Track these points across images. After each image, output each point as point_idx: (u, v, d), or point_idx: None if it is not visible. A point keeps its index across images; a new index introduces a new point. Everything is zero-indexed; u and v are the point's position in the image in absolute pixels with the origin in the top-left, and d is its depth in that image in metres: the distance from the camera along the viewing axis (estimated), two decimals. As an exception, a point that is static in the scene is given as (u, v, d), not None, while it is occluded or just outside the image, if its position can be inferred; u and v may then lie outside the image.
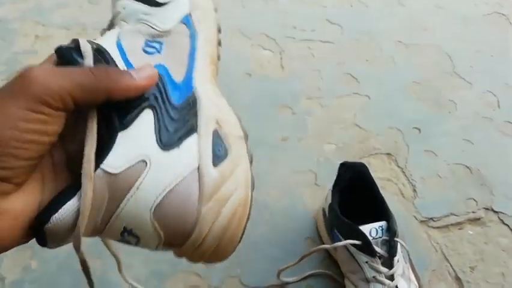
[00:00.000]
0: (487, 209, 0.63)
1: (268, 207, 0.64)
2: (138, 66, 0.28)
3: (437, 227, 0.62)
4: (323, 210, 0.57)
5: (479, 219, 0.62)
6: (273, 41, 0.92)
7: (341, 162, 0.69)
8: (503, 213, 0.62)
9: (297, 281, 0.56)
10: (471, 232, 0.61)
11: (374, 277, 0.48)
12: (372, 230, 0.49)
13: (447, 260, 0.58)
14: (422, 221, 0.62)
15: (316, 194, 0.65)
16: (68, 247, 0.60)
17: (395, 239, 0.49)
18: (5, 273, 0.59)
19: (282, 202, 0.65)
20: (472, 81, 0.80)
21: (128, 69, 0.27)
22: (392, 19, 0.94)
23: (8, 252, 0.58)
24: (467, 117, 0.75)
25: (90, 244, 0.59)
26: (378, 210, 0.52)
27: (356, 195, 0.55)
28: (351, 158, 0.69)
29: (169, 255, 0.57)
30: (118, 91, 0.26)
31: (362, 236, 0.48)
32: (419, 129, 0.73)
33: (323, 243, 0.57)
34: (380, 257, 0.48)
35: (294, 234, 0.61)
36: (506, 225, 0.61)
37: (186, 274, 0.57)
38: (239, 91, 0.82)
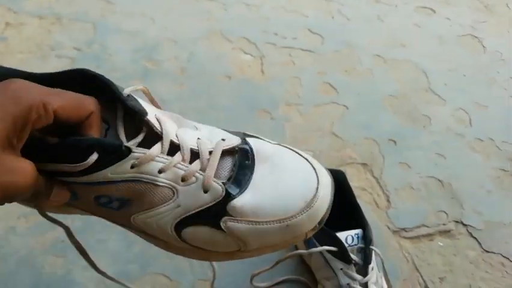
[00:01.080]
0: (457, 221, 0.64)
1: (243, 211, 0.63)
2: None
3: (409, 238, 0.62)
4: (299, 215, 0.56)
5: (449, 231, 0.63)
6: (254, 45, 0.92)
7: (317, 169, 0.69)
8: (472, 226, 0.64)
9: (269, 287, 0.55)
10: (441, 244, 0.62)
11: (348, 284, 0.48)
12: (348, 237, 0.49)
13: (417, 270, 0.59)
14: (394, 231, 0.63)
15: (292, 200, 0.65)
16: (29, 244, 0.57)
17: (371, 247, 0.49)
18: (-43, 270, 0.54)
19: (257, 206, 0.64)
20: (446, 98, 0.82)
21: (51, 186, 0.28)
22: (371, 33, 0.96)
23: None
24: (441, 132, 0.76)
25: (53, 243, 0.56)
26: (355, 218, 0.52)
27: (332, 202, 0.54)
28: (328, 166, 0.68)
29: (139, 256, 0.54)
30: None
31: (338, 242, 0.48)
32: (395, 142, 0.74)
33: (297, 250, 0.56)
34: (355, 265, 0.48)
35: (268, 239, 0.60)
36: (475, 238, 0.63)
37: (155, 276, 0.55)
38: (218, 93, 0.81)
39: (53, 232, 0.58)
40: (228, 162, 0.32)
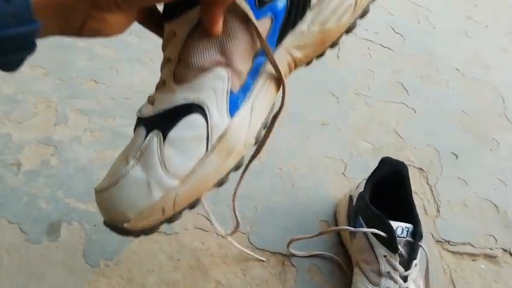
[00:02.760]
0: (505, 250, 0.62)
1: (292, 180, 0.63)
2: None
3: (452, 252, 0.61)
4: (350, 197, 0.56)
5: (495, 257, 0.61)
6: (335, 31, 0.91)
7: (373, 161, 0.68)
8: (519, 259, 0.61)
9: (303, 257, 0.55)
10: (483, 266, 0.60)
11: (388, 272, 0.47)
12: (398, 228, 0.48)
13: (453, 284, 0.57)
14: (438, 241, 0.61)
15: (342, 183, 0.65)
16: (89, 156, 0.59)
17: (420, 243, 0.48)
18: (23, 161, 0.58)
19: (307, 180, 0.64)
20: (519, 128, 0.79)
21: None
22: (455, 47, 0.93)
23: (31, 142, 0.58)
24: (507, 159, 0.73)
25: (112, 161, 0.59)
26: (407, 212, 0.51)
27: (388, 192, 0.54)
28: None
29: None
30: None
31: (389, 229, 0.47)
32: (457, 156, 0.72)
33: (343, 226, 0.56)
34: (399, 256, 0.47)
35: (310, 213, 0.60)
36: (520, 271, 0.60)
37: (196, 216, 0.57)
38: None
39: (113, 151, 0.61)
40: None
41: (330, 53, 0.85)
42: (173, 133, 0.31)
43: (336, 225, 0.58)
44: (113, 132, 0.63)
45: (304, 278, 0.54)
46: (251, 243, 0.56)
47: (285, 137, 0.69)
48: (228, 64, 0.32)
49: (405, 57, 0.89)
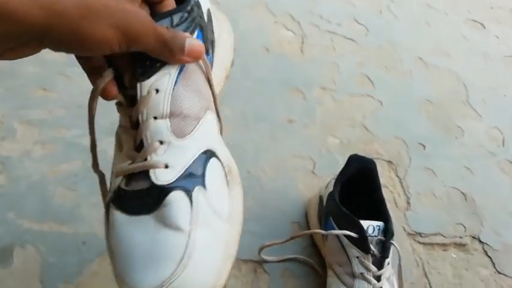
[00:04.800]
0: (473, 237, 0.63)
1: (260, 183, 0.62)
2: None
3: (423, 243, 0.61)
4: (320, 197, 0.55)
5: (464, 245, 0.62)
6: (297, 24, 0.89)
7: (342, 157, 0.67)
8: (488, 245, 0.62)
9: (276, 262, 0.53)
10: (454, 256, 0.60)
11: (361, 273, 0.46)
12: (369, 227, 0.47)
13: (427, 276, 0.57)
14: (409, 234, 0.61)
15: (312, 182, 0.63)
16: (42, 171, 0.55)
17: (391, 241, 0.47)
18: (-33, 180, 0.53)
19: (276, 182, 0.62)
20: (482, 115, 0.80)
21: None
22: (417, 36, 0.93)
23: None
24: (472, 147, 0.74)
25: (66, 175, 0.54)
26: (377, 210, 0.50)
27: (357, 189, 0.53)
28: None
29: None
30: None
31: (360, 229, 0.46)
32: (424, 146, 0.72)
33: (314, 229, 0.55)
34: (372, 255, 0.46)
35: (281, 215, 0.59)
36: (489, 257, 0.61)
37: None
38: (254, 63, 0.79)
39: (67, 165, 0.57)
40: None
41: (293, 46, 0.84)
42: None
43: (308, 226, 0.57)
44: (67, 143, 0.59)
45: (278, 284, 0.52)
46: (221, 252, 0.53)
47: (251, 138, 0.67)
48: None
49: (369, 48, 0.88)
